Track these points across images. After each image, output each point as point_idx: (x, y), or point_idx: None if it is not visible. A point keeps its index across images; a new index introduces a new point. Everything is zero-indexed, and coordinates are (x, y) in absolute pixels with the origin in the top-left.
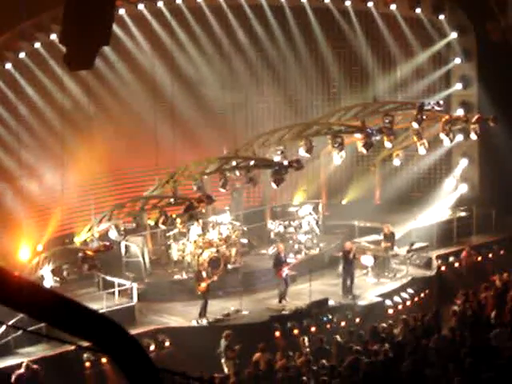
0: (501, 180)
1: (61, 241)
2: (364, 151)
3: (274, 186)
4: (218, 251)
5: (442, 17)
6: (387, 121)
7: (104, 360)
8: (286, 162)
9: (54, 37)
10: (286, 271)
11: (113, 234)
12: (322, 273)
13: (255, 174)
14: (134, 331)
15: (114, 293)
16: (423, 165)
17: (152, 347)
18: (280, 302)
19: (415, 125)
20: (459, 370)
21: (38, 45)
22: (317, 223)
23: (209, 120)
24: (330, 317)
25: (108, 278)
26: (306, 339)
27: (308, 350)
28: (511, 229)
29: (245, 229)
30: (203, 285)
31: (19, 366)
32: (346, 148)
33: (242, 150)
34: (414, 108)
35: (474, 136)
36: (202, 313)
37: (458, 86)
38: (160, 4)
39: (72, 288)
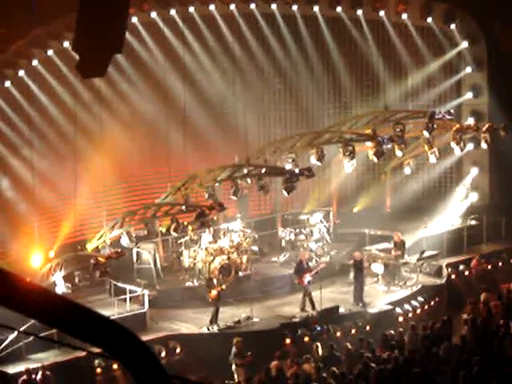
0: (511, 189)
1: (73, 247)
2: (375, 159)
3: (285, 193)
4: (229, 258)
5: (453, 26)
6: (398, 129)
7: (115, 366)
8: (297, 170)
9: (66, 44)
10: (308, 278)
11: (124, 241)
12: (333, 280)
13: (266, 181)
14: (145, 338)
15: (125, 299)
16: (434, 173)
17: (163, 354)
18: (303, 309)
19: (426, 133)
20: (469, 378)
21: (50, 52)
22: (327, 231)
23: (220, 128)
24: (326, 327)
25: (119, 284)
26: (320, 345)
27: (318, 356)
28: None
29: (256, 236)
30: (214, 292)
31: (24, 372)
32: (357, 156)
33: (254, 158)
34: (425, 117)
35: (484, 145)
36: (213, 320)
37: (469, 95)
38: (172, 12)
39: (83, 294)
